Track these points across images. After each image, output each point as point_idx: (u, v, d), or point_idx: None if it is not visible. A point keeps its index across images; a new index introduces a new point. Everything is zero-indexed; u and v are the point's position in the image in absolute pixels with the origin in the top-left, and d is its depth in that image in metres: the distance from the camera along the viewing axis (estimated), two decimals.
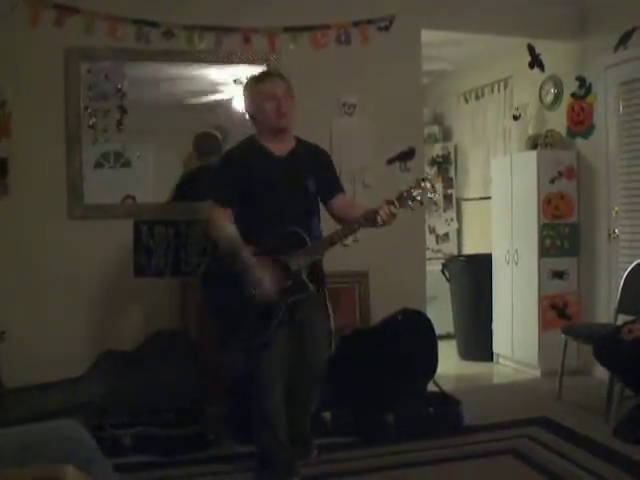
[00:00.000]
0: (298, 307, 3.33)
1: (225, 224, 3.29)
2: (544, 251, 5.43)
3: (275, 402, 3.35)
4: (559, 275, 5.47)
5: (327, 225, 3.55)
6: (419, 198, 3.30)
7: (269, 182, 3.36)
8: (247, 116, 3.55)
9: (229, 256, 3.25)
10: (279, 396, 3.37)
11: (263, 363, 3.33)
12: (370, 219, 3.27)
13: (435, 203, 7.15)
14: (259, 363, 3.33)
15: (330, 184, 3.59)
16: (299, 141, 3.56)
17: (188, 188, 4.51)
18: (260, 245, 3.26)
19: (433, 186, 3.40)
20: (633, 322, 3.95)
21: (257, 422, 3.41)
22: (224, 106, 4.59)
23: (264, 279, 3.21)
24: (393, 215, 3.28)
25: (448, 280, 6.44)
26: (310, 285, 3.30)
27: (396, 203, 3.28)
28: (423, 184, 3.32)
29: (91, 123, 4.32)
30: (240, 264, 3.20)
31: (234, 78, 4.57)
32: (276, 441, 3.36)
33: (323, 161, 3.61)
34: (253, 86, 3.44)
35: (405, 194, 3.30)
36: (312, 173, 3.46)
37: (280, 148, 3.45)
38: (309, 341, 3.48)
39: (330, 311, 3.59)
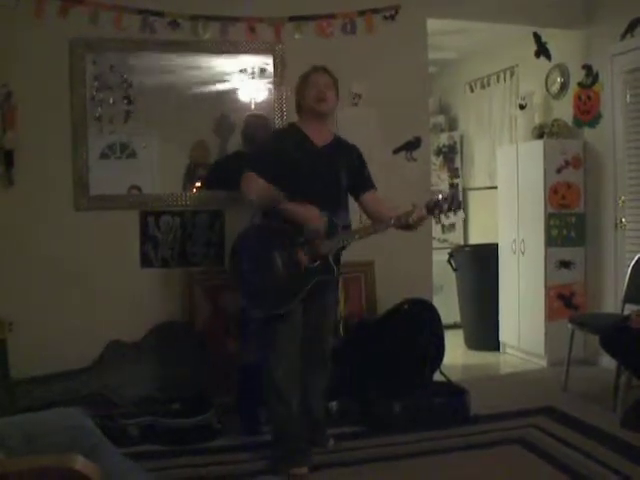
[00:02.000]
0: (316, 288, 3.44)
1: (262, 181, 3.41)
2: (551, 241, 5.41)
3: (289, 371, 3.43)
4: (566, 265, 5.46)
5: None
6: (444, 209, 3.44)
7: (306, 168, 3.50)
8: (296, 109, 3.71)
9: (268, 206, 3.43)
10: (294, 366, 3.45)
11: (279, 334, 3.41)
12: (402, 222, 3.46)
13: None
14: (275, 333, 3.42)
15: (362, 180, 3.76)
16: (337, 137, 3.75)
17: (222, 174, 4.52)
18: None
19: (459, 202, 3.54)
20: None
21: (269, 393, 3.47)
22: (230, 96, 4.58)
23: (311, 214, 3.37)
24: (423, 219, 3.47)
25: (455, 270, 6.43)
26: (336, 269, 3.47)
27: (424, 209, 3.44)
28: (449, 199, 3.47)
29: (97, 114, 4.31)
30: (282, 210, 3.38)
31: (240, 68, 4.56)
32: (289, 413, 3.42)
33: (357, 158, 3.76)
34: (306, 75, 3.64)
35: (433, 203, 3.45)
36: (346, 168, 3.64)
37: (320, 138, 3.61)
38: (319, 323, 3.63)
39: (339, 298, 3.72)
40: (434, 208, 3.44)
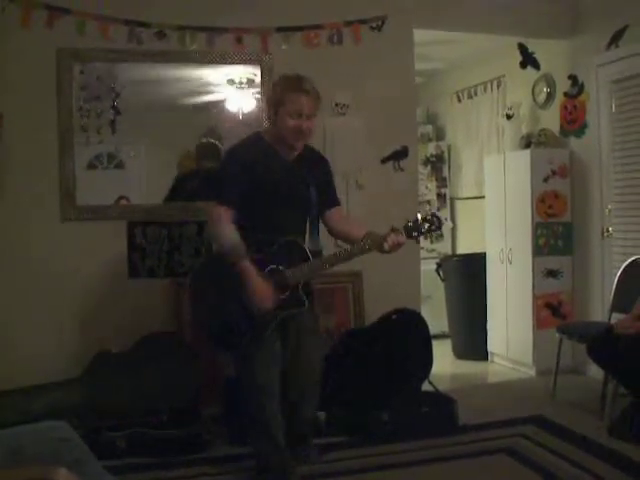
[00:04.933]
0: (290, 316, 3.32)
1: (228, 227, 3.20)
2: (538, 250, 5.43)
3: (270, 403, 3.31)
4: (553, 274, 5.47)
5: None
6: (424, 231, 3.30)
7: (274, 186, 3.30)
8: (266, 106, 3.54)
9: (228, 261, 3.16)
10: (274, 397, 3.33)
11: (255, 365, 3.28)
12: (377, 246, 3.27)
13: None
14: (251, 365, 3.29)
15: (328, 195, 3.55)
16: (309, 148, 3.53)
17: (181, 189, 4.51)
18: (259, 252, 3.23)
19: (440, 222, 3.34)
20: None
21: (252, 425, 3.38)
22: (217, 106, 4.59)
23: (262, 292, 3.15)
24: (399, 245, 3.27)
25: (442, 279, 6.44)
26: (306, 301, 3.29)
27: (403, 232, 3.27)
28: (430, 219, 3.30)
29: (84, 124, 4.30)
30: (239, 271, 3.13)
31: (227, 78, 4.57)
32: (273, 444, 3.33)
33: (324, 171, 3.56)
34: (289, 89, 3.29)
35: (411, 224, 3.29)
36: (316, 183, 3.44)
37: (289, 153, 3.40)
38: (302, 345, 3.47)
39: (317, 312, 3.61)
40: (413, 230, 3.29)
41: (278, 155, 3.36)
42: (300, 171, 3.40)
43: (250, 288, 3.13)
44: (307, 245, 3.38)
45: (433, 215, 3.33)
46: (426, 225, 3.29)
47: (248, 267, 3.14)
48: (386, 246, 3.24)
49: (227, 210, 3.22)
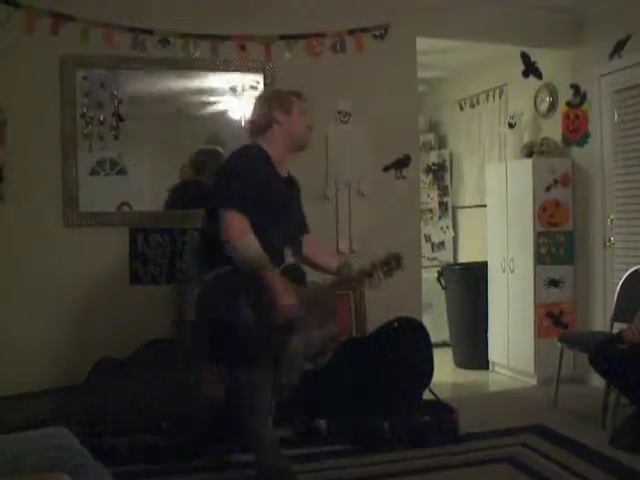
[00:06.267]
0: None
1: (254, 237, 2.97)
2: (540, 259, 5.43)
3: (270, 419, 3.18)
4: (555, 283, 5.47)
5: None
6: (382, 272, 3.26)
7: (279, 203, 3.19)
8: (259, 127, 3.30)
9: (253, 271, 2.96)
10: (272, 413, 3.21)
11: (262, 382, 3.10)
12: (362, 281, 3.29)
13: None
14: (260, 383, 3.09)
15: (304, 219, 3.49)
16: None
17: (179, 198, 4.51)
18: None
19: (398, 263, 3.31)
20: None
21: (257, 441, 3.19)
22: (220, 114, 4.59)
23: (288, 293, 2.98)
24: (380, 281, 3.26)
25: (444, 288, 6.44)
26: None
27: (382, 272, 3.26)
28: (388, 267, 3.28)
29: (87, 131, 4.31)
30: (266, 280, 2.95)
31: (230, 86, 4.58)
32: (281, 457, 3.21)
33: (299, 194, 3.48)
34: (291, 99, 3.28)
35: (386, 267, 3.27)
36: (298, 203, 3.42)
37: (283, 169, 3.30)
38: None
39: None
40: (373, 272, 3.24)
41: (275, 170, 3.23)
42: (291, 190, 3.36)
43: (277, 292, 2.94)
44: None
45: (394, 257, 3.31)
46: (386, 268, 3.27)
47: (274, 274, 3.00)
48: (373, 283, 3.24)
49: (246, 218, 2.99)
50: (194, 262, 3.29)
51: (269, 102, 3.30)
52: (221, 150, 4.53)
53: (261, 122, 3.27)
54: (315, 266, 3.45)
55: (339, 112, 4.77)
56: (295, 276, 3.20)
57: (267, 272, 2.96)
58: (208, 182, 3.51)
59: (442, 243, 7.39)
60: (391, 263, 3.28)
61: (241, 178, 3.06)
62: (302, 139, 3.30)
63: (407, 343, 4.37)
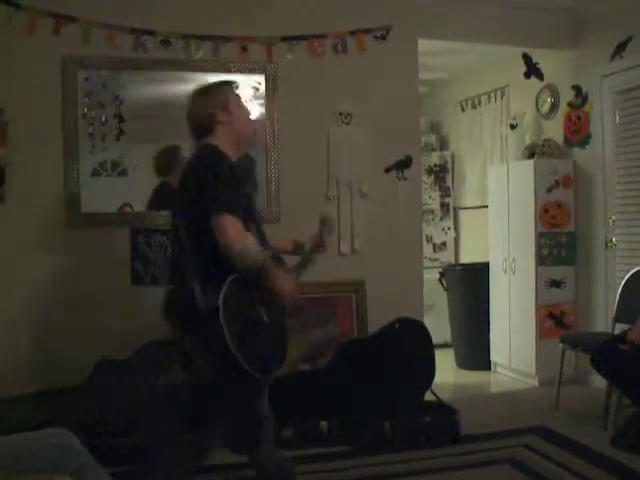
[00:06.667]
0: None
1: (253, 238, 2.88)
2: (541, 260, 5.43)
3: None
4: (556, 284, 5.47)
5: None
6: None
7: (250, 199, 3.16)
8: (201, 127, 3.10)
9: (258, 272, 2.83)
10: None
11: (265, 395, 3.03)
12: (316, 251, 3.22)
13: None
14: (264, 395, 3.02)
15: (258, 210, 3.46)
16: None
17: (161, 199, 4.48)
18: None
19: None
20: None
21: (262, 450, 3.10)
22: None
23: (290, 281, 2.92)
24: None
25: (445, 289, 6.44)
26: None
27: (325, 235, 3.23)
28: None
29: (88, 131, 4.31)
30: (269, 275, 2.84)
31: None
32: (283, 458, 3.19)
33: None
34: (234, 93, 3.12)
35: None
36: None
37: None
38: None
39: None
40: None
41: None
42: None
43: (277, 286, 2.85)
44: None
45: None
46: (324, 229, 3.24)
47: (282, 268, 2.96)
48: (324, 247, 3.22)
49: (238, 220, 2.86)
50: (190, 276, 3.11)
51: (206, 102, 3.09)
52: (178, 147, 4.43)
53: (203, 124, 3.08)
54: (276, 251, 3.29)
55: (340, 113, 4.77)
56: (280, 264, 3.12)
57: (273, 268, 2.84)
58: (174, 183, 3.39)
59: (444, 244, 7.39)
60: (325, 224, 3.25)
61: (224, 180, 2.91)
62: (247, 133, 3.16)
63: (408, 344, 4.37)
